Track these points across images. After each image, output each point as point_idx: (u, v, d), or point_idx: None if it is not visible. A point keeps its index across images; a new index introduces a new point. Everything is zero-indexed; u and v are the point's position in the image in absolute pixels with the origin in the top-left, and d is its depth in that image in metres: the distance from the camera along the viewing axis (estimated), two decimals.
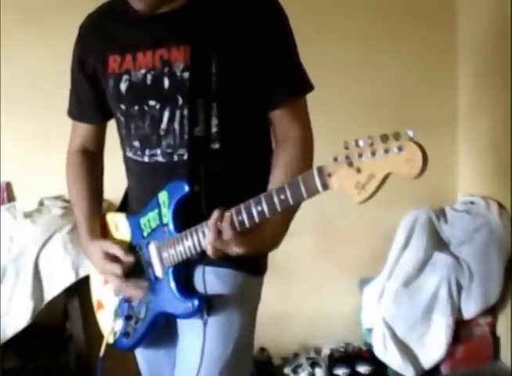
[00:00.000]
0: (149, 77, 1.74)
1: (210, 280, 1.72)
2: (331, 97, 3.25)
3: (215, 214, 1.54)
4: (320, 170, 1.34)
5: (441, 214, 3.58)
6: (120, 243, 1.87)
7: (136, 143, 1.81)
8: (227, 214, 1.53)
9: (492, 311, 3.46)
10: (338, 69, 3.48)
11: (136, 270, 1.83)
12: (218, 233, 1.53)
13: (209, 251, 1.57)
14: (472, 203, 3.55)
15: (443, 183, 3.63)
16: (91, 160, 2.03)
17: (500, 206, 3.44)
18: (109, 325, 1.95)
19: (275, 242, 1.67)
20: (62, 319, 3.32)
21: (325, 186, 1.34)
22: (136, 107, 1.78)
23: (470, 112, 3.65)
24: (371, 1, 3.58)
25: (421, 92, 3.65)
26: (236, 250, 1.55)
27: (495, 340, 3.50)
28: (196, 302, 1.71)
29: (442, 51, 3.66)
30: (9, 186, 3.41)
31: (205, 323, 1.71)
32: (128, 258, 1.81)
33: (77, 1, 3.12)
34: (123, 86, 1.78)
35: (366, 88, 3.56)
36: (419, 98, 3.64)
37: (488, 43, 3.42)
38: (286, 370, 3.51)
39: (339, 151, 1.27)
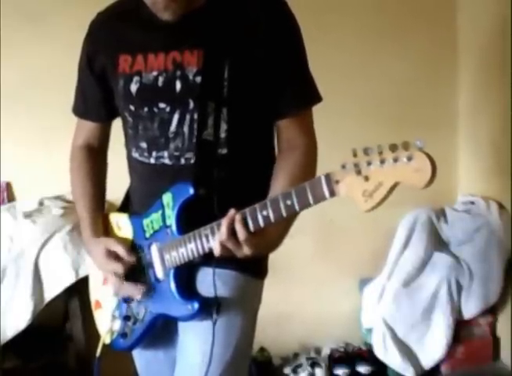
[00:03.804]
0: (160, 79, 1.74)
1: (212, 282, 1.71)
2: (331, 96, 3.22)
3: (231, 213, 1.54)
4: (328, 177, 1.34)
5: (442, 214, 3.59)
6: (123, 241, 1.87)
7: (143, 144, 1.81)
8: (238, 215, 1.53)
9: (492, 311, 3.47)
10: (338, 68, 3.48)
11: (137, 271, 1.83)
12: (232, 232, 1.53)
13: (217, 250, 1.57)
14: (472, 203, 3.55)
15: (443, 183, 3.62)
16: (95, 157, 2.03)
17: (500, 206, 3.44)
18: (107, 325, 1.95)
19: (276, 244, 1.68)
20: (62, 319, 3.32)
21: (332, 193, 1.34)
22: (146, 109, 1.77)
23: (470, 112, 3.65)
24: (372, 0, 3.58)
25: (421, 92, 3.64)
26: (246, 251, 1.55)
27: (495, 340, 3.50)
28: (195, 305, 1.71)
29: (443, 50, 3.66)
30: (8, 186, 3.40)
31: (215, 323, 1.71)
32: (131, 258, 1.81)
33: (77, 1, 3.14)
34: (133, 87, 1.77)
35: (366, 87, 3.56)
36: (419, 97, 3.64)
37: (488, 42, 3.43)
38: (286, 370, 3.51)
39: (347, 158, 1.27)
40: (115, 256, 1.83)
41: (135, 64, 1.77)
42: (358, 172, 1.26)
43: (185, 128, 1.74)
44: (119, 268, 1.81)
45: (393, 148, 1.20)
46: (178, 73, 1.72)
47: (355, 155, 1.26)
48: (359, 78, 3.55)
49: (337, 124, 3.41)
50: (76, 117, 2.03)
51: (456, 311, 3.33)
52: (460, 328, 3.37)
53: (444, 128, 3.65)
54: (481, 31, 3.48)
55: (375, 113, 3.56)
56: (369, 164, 1.24)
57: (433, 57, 3.62)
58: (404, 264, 3.42)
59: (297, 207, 1.43)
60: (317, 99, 1.82)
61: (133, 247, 1.87)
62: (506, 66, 3.20)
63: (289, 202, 1.43)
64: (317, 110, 1.83)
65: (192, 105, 1.72)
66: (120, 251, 1.82)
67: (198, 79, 1.71)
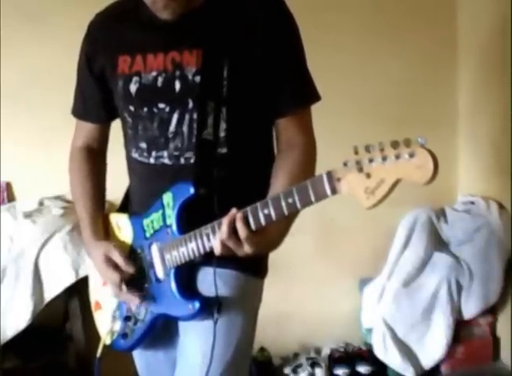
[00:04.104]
0: (159, 79, 1.74)
1: (212, 282, 1.71)
2: (329, 96, 3.22)
3: (232, 212, 1.54)
4: (329, 174, 1.34)
5: (441, 214, 3.59)
6: (122, 247, 1.87)
7: (143, 145, 1.81)
8: (239, 214, 1.52)
9: (492, 311, 3.47)
10: (336, 67, 3.48)
11: (137, 271, 1.83)
12: (233, 231, 1.53)
13: (218, 249, 1.56)
14: (472, 203, 3.55)
15: (443, 183, 3.61)
16: (94, 158, 2.03)
17: (500, 206, 3.44)
18: (107, 326, 1.95)
19: (277, 242, 1.68)
20: (62, 319, 3.32)
21: (334, 191, 1.34)
22: (145, 109, 1.77)
23: (470, 111, 3.65)
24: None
25: (421, 91, 3.65)
26: (247, 250, 1.55)
27: (495, 340, 3.50)
28: (196, 304, 1.71)
29: (443, 49, 3.66)
30: (8, 186, 3.40)
31: (215, 322, 1.71)
32: (129, 269, 1.81)
33: (77, 1, 3.14)
34: (133, 87, 1.77)
35: (365, 86, 3.56)
36: (418, 97, 3.64)
37: (488, 41, 3.43)
38: (286, 370, 3.51)
39: (349, 156, 1.26)
40: (114, 265, 1.83)
41: (134, 65, 1.77)
42: (360, 169, 1.26)
43: (185, 128, 1.74)
44: (117, 277, 1.82)
45: (394, 145, 1.20)
46: (178, 73, 1.72)
47: (356, 152, 1.26)
48: (357, 78, 3.55)
49: (335, 123, 3.41)
50: (75, 118, 2.04)
51: (456, 311, 3.33)
52: (460, 328, 3.37)
53: (444, 127, 3.65)
54: (481, 30, 3.48)
55: (373, 113, 3.56)
56: (370, 161, 1.24)
57: (432, 56, 3.62)
58: (404, 264, 3.42)
59: (298, 205, 1.42)
60: (315, 97, 1.82)
61: (133, 249, 1.87)
62: (506, 65, 3.20)
63: (290, 200, 1.43)
64: (315, 109, 1.83)
65: (191, 105, 1.72)
66: (119, 260, 1.82)
67: (197, 79, 1.71)
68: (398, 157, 1.19)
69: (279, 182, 1.69)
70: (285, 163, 1.75)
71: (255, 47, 1.70)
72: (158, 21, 1.74)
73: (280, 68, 1.74)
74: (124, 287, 1.84)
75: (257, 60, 1.71)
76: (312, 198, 1.39)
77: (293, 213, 1.55)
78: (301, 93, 1.79)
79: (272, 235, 1.61)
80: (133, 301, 1.85)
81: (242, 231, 1.52)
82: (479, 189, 3.60)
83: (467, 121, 3.67)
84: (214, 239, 1.58)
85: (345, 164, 1.29)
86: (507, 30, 3.17)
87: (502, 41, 3.24)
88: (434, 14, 3.60)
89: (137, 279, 1.84)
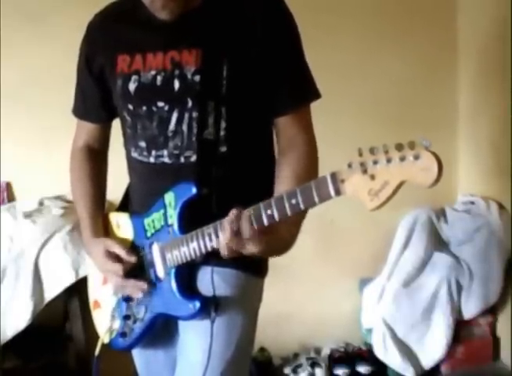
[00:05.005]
0: (158, 78, 1.74)
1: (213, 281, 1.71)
2: (329, 96, 3.21)
3: (233, 212, 1.51)
4: (333, 176, 1.33)
5: (441, 214, 3.59)
6: (122, 242, 1.87)
7: (142, 144, 1.81)
8: (245, 212, 1.50)
9: (492, 311, 3.47)
10: (337, 68, 3.48)
11: (137, 270, 1.83)
12: (235, 231, 1.50)
13: (223, 251, 1.53)
14: (472, 203, 3.55)
15: (443, 183, 3.56)
16: (95, 158, 2.04)
17: (500, 206, 3.44)
18: (106, 325, 1.95)
19: (289, 243, 1.65)
20: (62, 319, 3.32)
21: (337, 192, 1.33)
22: (144, 108, 1.77)
23: (470, 112, 3.65)
24: (371, 1, 3.58)
25: (421, 92, 3.65)
26: (252, 249, 1.51)
27: (495, 340, 3.50)
28: (197, 304, 1.71)
29: (443, 51, 3.66)
30: (8, 186, 3.39)
31: (213, 321, 1.71)
32: (130, 258, 1.82)
33: (77, 1, 3.13)
34: (132, 86, 1.77)
35: (366, 87, 3.56)
36: (419, 98, 3.65)
37: (488, 43, 3.43)
38: (286, 370, 3.51)
39: (353, 158, 1.26)
40: (115, 257, 1.83)
41: (134, 64, 1.78)
42: (365, 171, 1.25)
43: (184, 127, 1.74)
44: (119, 268, 1.81)
45: (399, 147, 1.19)
46: (177, 72, 1.73)
47: (360, 154, 1.26)
48: (358, 78, 3.55)
49: (336, 123, 3.41)
50: (76, 118, 2.04)
51: (456, 311, 3.33)
52: (460, 328, 3.37)
53: (444, 128, 3.65)
54: (482, 32, 3.49)
55: (373, 114, 3.56)
56: (375, 163, 1.23)
57: (432, 58, 3.62)
58: (404, 264, 3.42)
59: (302, 206, 1.41)
60: (315, 95, 1.81)
61: (133, 246, 1.87)
62: (506, 68, 3.20)
63: (294, 201, 1.41)
64: (315, 108, 1.82)
65: (190, 104, 1.73)
66: (120, 251, 1.83)
67: (196, 78, 1.71)
68: (402, 159, 1.19)
69: (285, 186, 1.67)
70: (289, 166, 1.73)
71: (254, 46, 1.70)
72: (157, 21, 1.74)
73: (279, 66, 1.74)
74: (125, 280, 1.84)
75: (256, 59, 1.71)
76: (316, 199, 1.37)
77: (303, 213, 1.55)
78: (300, 91, 1.78)
79: (282, 234, 1.58)
80: (138, 291, 1.84)
81: (246, 230, 1.49)
82: (479, 189, 3.61)
83: (467, 122, 3.67)
84: (217, 242, 1.56)
85: (349, 166, 1.28)
86: (507, 34, 3.17)
87: (501, 44, 3.24)
88: (433, 16, 3.60)
89: (137, 276, 1.83)
